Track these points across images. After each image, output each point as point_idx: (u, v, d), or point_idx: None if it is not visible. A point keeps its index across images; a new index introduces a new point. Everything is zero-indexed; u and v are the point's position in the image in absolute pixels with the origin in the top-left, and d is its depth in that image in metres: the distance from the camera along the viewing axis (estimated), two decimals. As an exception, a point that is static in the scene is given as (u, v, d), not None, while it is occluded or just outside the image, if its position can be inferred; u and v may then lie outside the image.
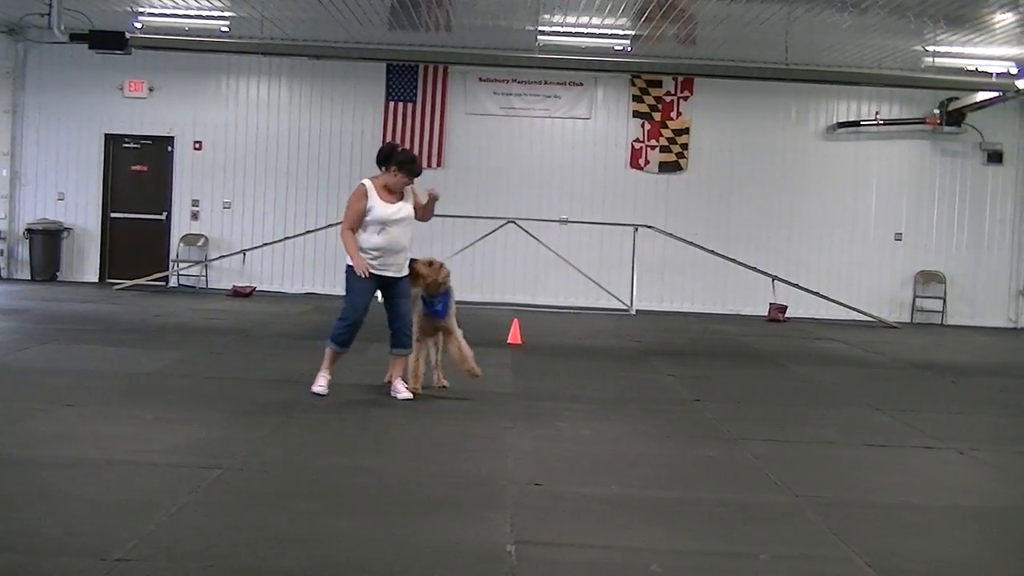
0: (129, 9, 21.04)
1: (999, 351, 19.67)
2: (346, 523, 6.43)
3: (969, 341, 21.11)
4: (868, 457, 9.27)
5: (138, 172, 24.52)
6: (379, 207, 10.73)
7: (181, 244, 24.35)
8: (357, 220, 10.78)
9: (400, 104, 24.09)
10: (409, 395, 10.91)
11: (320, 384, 10.97)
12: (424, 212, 11.28)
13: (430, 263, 11.18)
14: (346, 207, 10.89)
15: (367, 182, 10.86)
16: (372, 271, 10.75)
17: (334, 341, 11.04)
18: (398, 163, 10.77)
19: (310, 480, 7.44)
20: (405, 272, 10.95)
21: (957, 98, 23.52)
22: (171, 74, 24.02)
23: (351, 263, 10.78)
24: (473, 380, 11.26)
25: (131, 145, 24.47)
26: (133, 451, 8.03)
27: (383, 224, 10.72)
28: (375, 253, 10.76)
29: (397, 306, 10.97)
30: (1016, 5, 17.66)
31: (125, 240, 24.48)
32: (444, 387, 11.61)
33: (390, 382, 11.17)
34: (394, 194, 10.84)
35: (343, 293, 11.05)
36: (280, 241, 23.63)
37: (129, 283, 23.11)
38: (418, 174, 10.91)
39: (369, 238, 10.77)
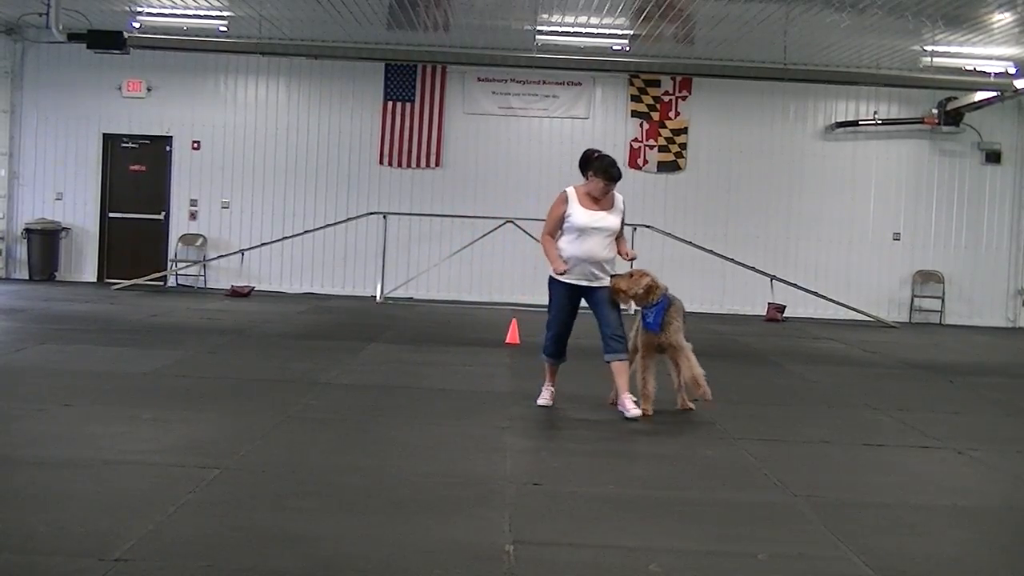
0: (127, 9, 21.03)
1: (997, 351, 19.67)
2: (344, 523, 6.43)
3: (967, 341, 21.11)
4: (866, 457, 9.27)
5: (136, 172, 24.51)
6: (578, 214, 10.42)
7: (179, 244, 24.34)
8: (555, 226, 10.54)
9: (398, 104, 24.09)
10: (638, 412, 10.32)
11: (544, 397, 10.91)
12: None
13: (631, 275, 10.66)
14: (549, 212, 10.63)
15: (569, 189, 10.60)
16: (567, 279, 10.52)
17: (544, 353, 10.94)
18: (594, 168, 10.45)
19: (308, 480, 7.44)
20: (602, 283, 10.53)
21: (955, 98, 23.53)
22: (169, 74, 24.02)
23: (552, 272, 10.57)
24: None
25: (129, 145, 24.46)
26: (131, 451, 8.03)
27: (579, 231, 10.41)
28: (571, 261, 10.47)
29: (599, 313, 10.56)
30: (1014, 5, 17.67)
31: (123, 240, 24.48)
32: (688, 410, 10.97)
33: (614, 402, 10.77)
34: (598, 202, 10.52)
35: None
36: (278, 241, 23.64)
37: (127, 283, 23.11)
38: (617, 178, 10.48)
39: (565, 246, 10.50)
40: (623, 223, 10.70)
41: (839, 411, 11.49)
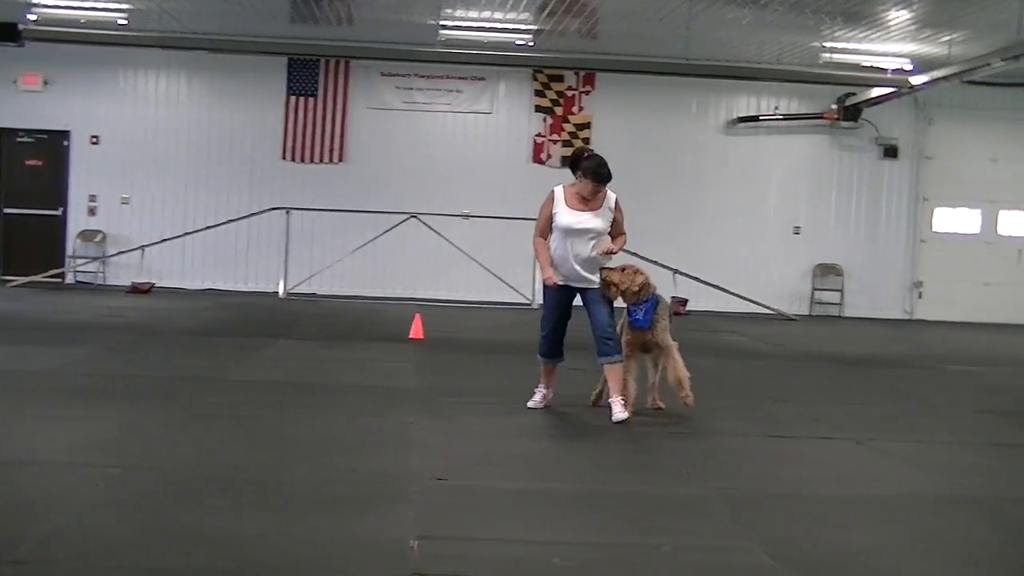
0: (23, 0, 20.66)
1: (895, 342, 19.99)
2: (249, 520, 6.38)
3: (866, 333, 21.43)
4: (771, 448, 9.37)
5: (33, 167, 24.12)
6: (563, 214, 10.22)
7: (78, 240, 24.00)
8: (545, 226, 10.33)
9: (302, 99, 23.94)
10: (624, 415, 10.02)
11: (535, 399, 10.61)
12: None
13: (623, 269, 10.46)
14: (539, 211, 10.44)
15: (558, 188, 10.42)
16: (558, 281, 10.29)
17: (538, 353, 10.63)
18: (583, 168, 10.23)
19: (213, 478, 7.37)
20: (590, 284, 10.27)
21: (854, 94, 23.87)
22: (67, 67, 23.61)
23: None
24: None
25: (26, 139, 24.06)
26: (33, 450, 7.89)
27: (564, 232, 10.20)
28: (557, 261, 10.29)
29: (591, 313, 10.30)
30: (910, 3, 17.96)
31: (20, 236, 24.07)
32: (659, 409, 10.77)
33: (598, 401, 10.64)
34: (587, 203, 10.28)
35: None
36: (180, 237, 23.36)
37: (25, 280, 22.72)
38: (606, 179, 10.23)
39: (553, 245, 10.31)
40: (621, 221, 10.49)
41: (744, 403, 11.60)
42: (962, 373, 15.64)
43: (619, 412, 10.03)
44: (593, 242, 10.22)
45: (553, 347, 10.55)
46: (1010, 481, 8.68)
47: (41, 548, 5.69)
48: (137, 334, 15.51)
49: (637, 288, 10.35)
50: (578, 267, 10.21)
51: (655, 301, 10.48)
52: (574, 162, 10.42)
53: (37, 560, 5.52)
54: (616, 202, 10.43)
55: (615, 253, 10.33)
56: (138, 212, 24.06)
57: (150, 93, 24.09)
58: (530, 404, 10.57)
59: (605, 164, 10.24)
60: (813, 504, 7.42)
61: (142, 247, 23.30)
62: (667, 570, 5.90)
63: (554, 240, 10.29)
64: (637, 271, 10.48)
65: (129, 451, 7.99)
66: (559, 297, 10.38)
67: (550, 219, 10.29)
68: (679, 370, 10.41)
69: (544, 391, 10.69)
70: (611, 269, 10.38)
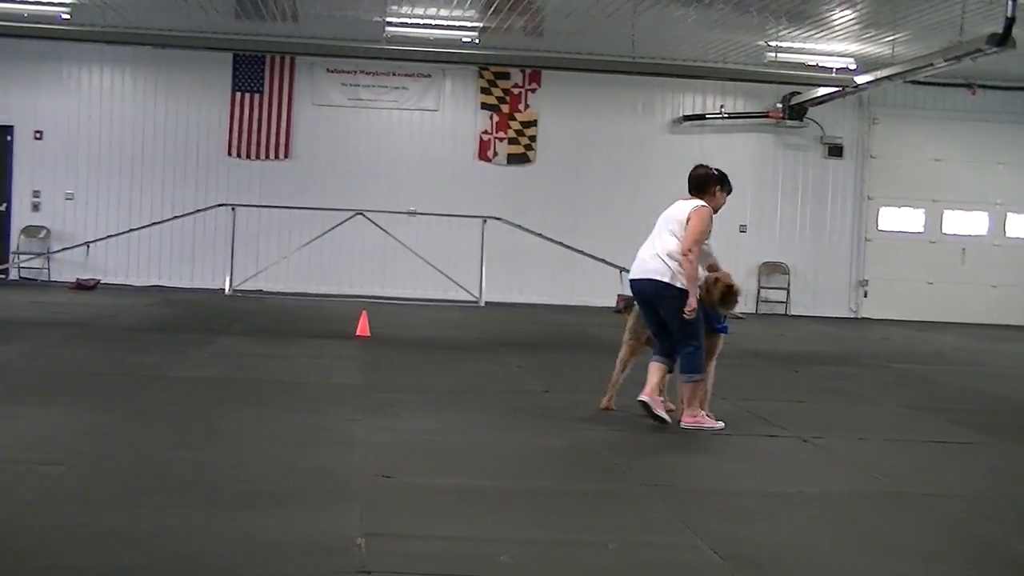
0: (-36, -5, 20.44)
1: (840, 340, 20.13)
2: (191, 519, 6.33)
3: (811, 331, 21.57)
4: (713, 445, 9.41)
5: (-25, 162, 23.91)
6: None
7: (22, 236, 23.78)
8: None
9: (247, 95, 23.84)
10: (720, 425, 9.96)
11: (713, 420, 10.04)
12: None
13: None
14: (699, 225, 9.90)
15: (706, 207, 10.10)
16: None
17: (697, 371, 9.98)
18: (724, 185, 10.40)
19: (154, 476, 7.31)
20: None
21: (799, 93, 24.03)
22: (8, 61, 23.38)
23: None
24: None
25: (-33, 134, 23.84)
26: (-30, 448, 7.82)
27: (703, 250, 10.08)
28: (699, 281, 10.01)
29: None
30: (854, 3, 18.09)
31: (-39, 232, 23.85)
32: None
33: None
34: None
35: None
36: (125, 233, 23.22)
37: (-34, 276, 22.54)
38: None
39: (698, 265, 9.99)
40: None
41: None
42: (906, 371, 15.76)
43: (716, 423, 9.99)
44: None
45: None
46: (950, 478, 8.75)
47: (-22, 547, 5.63)
48: (80, 331, 15.38)
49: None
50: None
51: None
52: (707, 180, 10.37)
53: (-26, 559, 5.46)
54: None
55: None
56: (83, 208, 23.87)
57: (94, 88, 23.89)
58: (719, 425, 9.99)
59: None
60: (757, 501, 7.45)
61: (87, 243, 23.18)
62: (616, 568, 5.90)
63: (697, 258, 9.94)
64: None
65: (67, 449, 7.91)
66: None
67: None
68: (709, 378, 10.39)
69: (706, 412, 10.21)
70: (724, 273, 10.40)
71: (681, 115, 24.83)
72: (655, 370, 10.11)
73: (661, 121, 24.90)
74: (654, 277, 9.88)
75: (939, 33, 18.85)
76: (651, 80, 23.61)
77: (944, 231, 25.69)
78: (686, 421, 9.90)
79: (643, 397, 9.90)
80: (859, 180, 25.36)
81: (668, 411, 10.18)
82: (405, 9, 20.22)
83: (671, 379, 10.27)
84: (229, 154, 23.91)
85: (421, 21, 20.82)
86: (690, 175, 10.52)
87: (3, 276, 23.42)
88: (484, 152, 24.34)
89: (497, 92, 24.35)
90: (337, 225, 22.81)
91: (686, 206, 10.07)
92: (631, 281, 10.19)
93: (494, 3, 19.36)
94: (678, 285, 9.74)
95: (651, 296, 10.00)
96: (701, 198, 10.18)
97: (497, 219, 23.05)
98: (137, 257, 23.88)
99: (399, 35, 21.31)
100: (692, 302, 9.69)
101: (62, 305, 18.81)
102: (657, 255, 9.93)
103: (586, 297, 24.23)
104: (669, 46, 22.03)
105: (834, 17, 19.02)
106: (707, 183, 10.33)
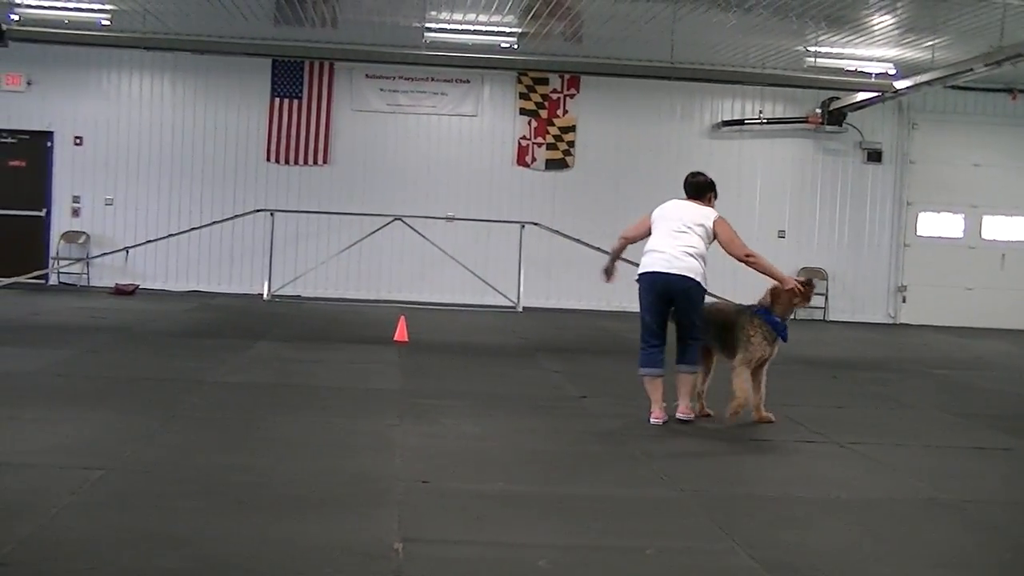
0: (5, 0, 20.58)
1: (878, 346, 20.02)
2: (230, 523, 6.36)
3: (850, 337, 21.46)
4: (751, 451, 9.39)
5: (16, 167, 24.01)
6: None
7: (61, 241, 23.92)
8: None
9: (286, 100, 23.90)
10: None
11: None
12: None
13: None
14: (730, 229, 11.18)
15: None
16: None
17: (699, 364, 10.99)
18: (715, 192, 11.49)
19: (194, 480, 7.35)
20: None
21: (838, 98, 23.91)
22: (50, 68, 23.54)
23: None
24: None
25: (8, 140, 23.93)
26: (11, 452, 7.86)
27: None
28: None
29: None
30: (894, 8, 17.99)
31: (3, 237, 23.86)
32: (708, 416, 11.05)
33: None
34: None
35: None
36: (164, 238, 23.30)
37: (7, 281, 22.62)
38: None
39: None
40: None
41: (724, 406, 11.57)
42: (945, 377, 15.66)
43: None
44: None
45: None
46: (990, 484, 8.70)
47: (20, 550, 5.66)
48: (120, 336, 15.46)
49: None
50: None
51: None
52: (707, 186, 11.43)
53: (16, 562, 5.48)
54: None
55: None
56: (122, 213, 23.98)
57: (134, 94, 24.01)
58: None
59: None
60: (795, 507, 7.43)
61: (126, 248, 23.27)
62: (654, 573, 5.90)
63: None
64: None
65: (107, 453, 7.95)
66: None
67: None
68: (762, 387, 11.06)
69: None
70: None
71: (720, 120, 24.76)
72: (685, 382, 10.53)
73: (699, 126, 24.83)
74: (688, 274, 10.53)
75: (979, 37, 18.74)
76: (690, 85, 23.54)
77: (983, 236, 25.49)
78: (683, 413, 10.46)
79: (682, 415, 10.37)
80: (898, 185, 25.22)
81: (705, 415, 10.64)
82: (444, 15, 20.24)
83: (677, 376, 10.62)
84: (268, 159, 23.98)
85: (460, 27, 20.85)
86: (691, 181, 11.55)
87: (43, 281, 23.55)
88: (522, 157, 24.33)
89: (536, 97, 24.34)
90: (375, 231, 22.85)
91: (700, 211, 11.16)
92: (655, 273, 10.66)
93: (533, 8, 19.36)
94: (704, 284, 10.68)
95: (679, 291, 10.55)
96: (698, 202, 11.21)
97: (535, 224, 23.04)
98: (176, 262, 23.98)
99: (438, 41, 21.34)
100: (790, 281, 11.12)
101: (101, 310, 18.91)
102: (689, 254, 10.63)
103: (624, 303, 24.15)
104: (708, 51, 21.96)
105: (873, 22, 18.93)
106: (707, 189, 11.35)
